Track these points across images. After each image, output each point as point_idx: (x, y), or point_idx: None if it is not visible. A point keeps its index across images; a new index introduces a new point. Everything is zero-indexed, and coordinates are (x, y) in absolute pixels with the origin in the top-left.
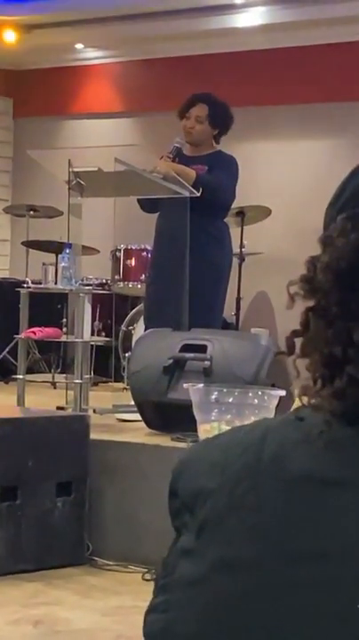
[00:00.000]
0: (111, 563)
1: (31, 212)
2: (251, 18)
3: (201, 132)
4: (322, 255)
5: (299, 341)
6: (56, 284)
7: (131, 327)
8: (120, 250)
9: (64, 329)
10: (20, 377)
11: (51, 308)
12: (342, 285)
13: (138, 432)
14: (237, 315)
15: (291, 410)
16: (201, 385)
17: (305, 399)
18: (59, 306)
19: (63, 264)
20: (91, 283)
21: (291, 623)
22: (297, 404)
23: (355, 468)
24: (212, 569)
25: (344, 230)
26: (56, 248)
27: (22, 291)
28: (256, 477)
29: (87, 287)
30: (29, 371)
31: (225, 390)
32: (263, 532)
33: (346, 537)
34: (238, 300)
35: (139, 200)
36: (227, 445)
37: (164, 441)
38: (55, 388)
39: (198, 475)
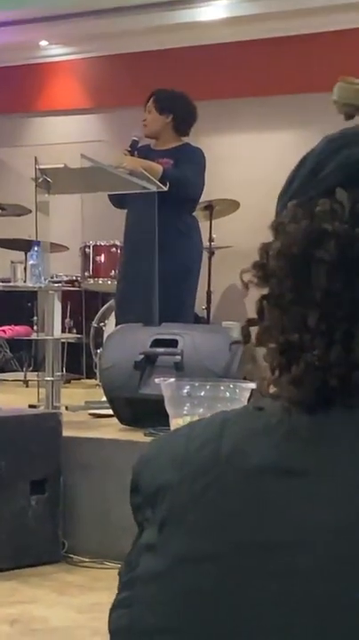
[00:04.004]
0: (87, 559)
1: None
2: (213, 11)
3: (151, 122)
4: (274, 242)
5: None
6: (25, 281)
7: (102, 323)
8: (89, 246)
9: (35, 327)
10: None
11: (20, 306)
12: (294, 271)
13: (110, 428)
14: (208, 308)
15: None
16: (172, 379)
17: (263, 388)
18: (29, 304)
19: (32, 262)
20: (61, 280)
21: (253, 615)
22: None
23: (314, 457)
24: (175, 563)
25: (295, 216)
26: (24, 246)
27: None
28: (216, 470)
29: (57, 284)
30: (1, 369)
31: (196, 384)
32: (224, 525)
33: (307, 527)
34: (209, 293)
35: (109, 196)
36: (187, 439)
37: (137, 436)
38: (27, 386)
39: (158, 470)
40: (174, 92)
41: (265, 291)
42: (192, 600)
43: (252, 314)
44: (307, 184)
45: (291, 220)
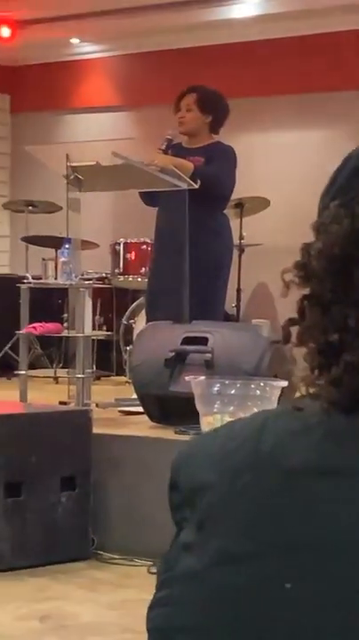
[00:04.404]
0: (116, 556)
1: (30, 208)
2: (246, 9)
3: (191, 120)
4: (315, 242)
5: (295, 330)
6: (56, 279)
7: (132, 321)
8: (120, 243)
9: (65, 324)
10: (22, 372)
11: (51, 303)
12: (336, 271)
13: (140, 425)
14: (238, 306)
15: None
16: (203, 377)
17: (303, 388)
18: (59, 301)
19: (63, 259)
20: (92, 277)
21: (291, 615)
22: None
23: (353, 458)
24: (213, 562)
25: (337, 217)
26: (55, 243)
27: (22, 286)
28: (255, 470)
29: (87, 281)
30: (31, 366)
31: (227, 382)
32: (262, 525)
33: (345, 528)
34: (238, 291)
35: (140, 193)
36: (226, 438)
37: (167, 434)
38: (57, 382)
39: (197, 468)
40: (215, 91)
41: (306, 290)
42: (230, 600)
43: (282, 312)
44: (348, 184)
45: (332, 220)
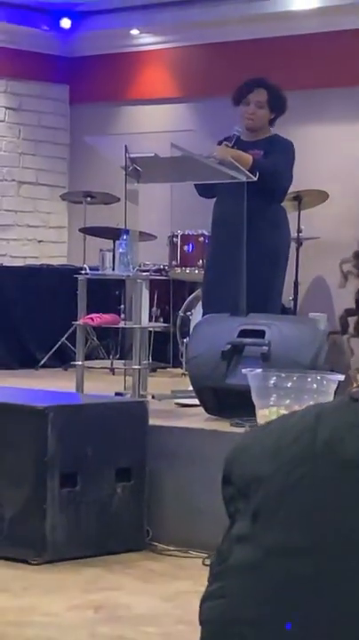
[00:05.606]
0: (171, 548)
1: (88, 199)
2: (306, 1)
3: (261, 117)
4: None
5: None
6: (114, 270)
7: (188, 313)
8: (177, 235)
9: (122, 315)
10: (79, 363)
11: (108, 294)
12: None
13: (196, 417)
14: (295, 299)
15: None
16: (259, 370)
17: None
18: (116, 292)
19: (120, 250)
20: (149, 269)
21: (347, 607)
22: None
23: None
24: (268, 555)
25: None
26: (113, 234)
27: (80, 277)
28: (310, 462)
29: (145, 273)
30: (88, 357)
31: (283, 375)
32: (318, 518)
33: None
34: (296, 284)
35: (195, 185)
36: (281, 431)
37: (223, 426)
38: (114, 374)
39: (251, 461)
40: (281, 89)
41: None
42: (285, 592)
43: (340, 305)
44: None
45: None
